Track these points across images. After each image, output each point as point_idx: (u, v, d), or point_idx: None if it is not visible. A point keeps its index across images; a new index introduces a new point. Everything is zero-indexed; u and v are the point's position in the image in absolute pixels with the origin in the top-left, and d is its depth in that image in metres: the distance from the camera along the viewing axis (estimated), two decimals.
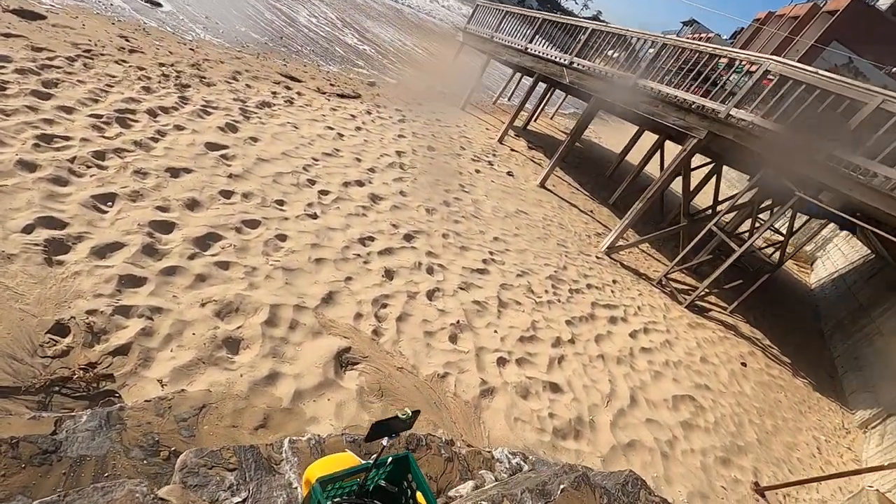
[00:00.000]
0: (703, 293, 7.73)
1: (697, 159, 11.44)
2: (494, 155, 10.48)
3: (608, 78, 8.81)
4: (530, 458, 2.84)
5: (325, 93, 8.80)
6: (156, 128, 4.83)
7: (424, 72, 16.64)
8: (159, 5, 8.95)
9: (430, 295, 4.25)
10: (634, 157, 16.73)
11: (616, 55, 9.44)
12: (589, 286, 6.22)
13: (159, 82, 5.88)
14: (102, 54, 5.94)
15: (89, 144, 4.05)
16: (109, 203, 3.55)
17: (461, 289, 4.59)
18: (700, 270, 9.32)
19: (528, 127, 16.03)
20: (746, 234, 11.25)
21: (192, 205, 3.95)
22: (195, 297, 3.06)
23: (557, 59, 10.20)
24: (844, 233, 15.26)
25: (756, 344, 7.40)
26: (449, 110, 12.79)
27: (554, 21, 10.98)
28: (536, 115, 17.89)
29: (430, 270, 4.65)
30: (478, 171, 8.69)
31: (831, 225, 15.02)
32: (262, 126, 6.07)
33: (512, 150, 11.85)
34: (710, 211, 11.45)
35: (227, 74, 7.29)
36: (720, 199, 11.48)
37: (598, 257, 7.59)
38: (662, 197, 12.72)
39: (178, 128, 5.04)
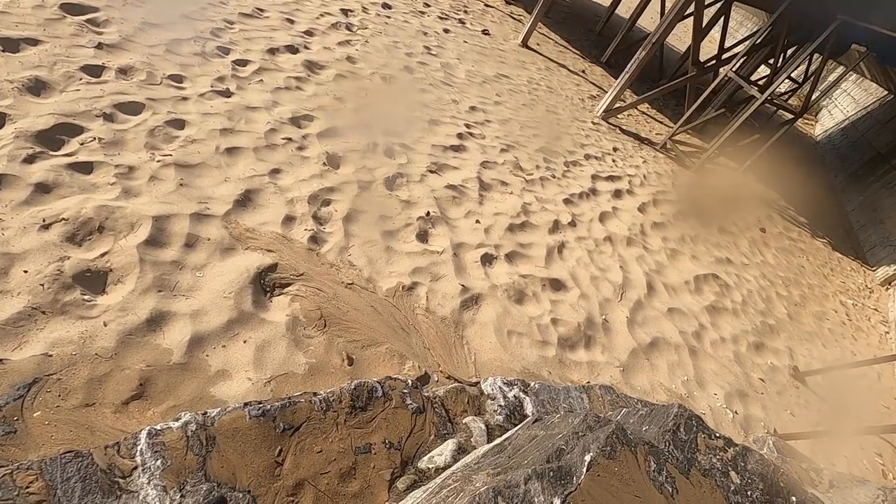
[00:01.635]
0: (713, 154, 6.79)
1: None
2: (466, 12, 8.77)
3: None
4: (532, 385, 2.12)
5: None
6: None
7: None
8: None
9: (391, 183, 3.28)
10: (626, 11, 14.72)
11: None
12: (587, 157, 5.25)
13: None
14: None
15: None
16: None
17: (431, 172, 3.61)
18: (706, 130, 8.27)
19: None
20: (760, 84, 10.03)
21: (37, 88, 2.78)
22: (33, 217, 2.09)
23: None
24: (854, 76, 13.93)
25: (772, 206, 6.66)
26: None
27: None
28: None
29: (389, 153, 3.62)
30: (447, 31, 7.18)
31: (840, 68, 13.64)
32: None
33: (486, 5, 10.01)
34: (715, 61, 10.05)
35: None
36: (726, 46, 10.02)
37: (594, 123, 6.50)
38: (662, 51, 11.16)
39: None
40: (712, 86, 6.81)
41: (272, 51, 4.32)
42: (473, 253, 2.99)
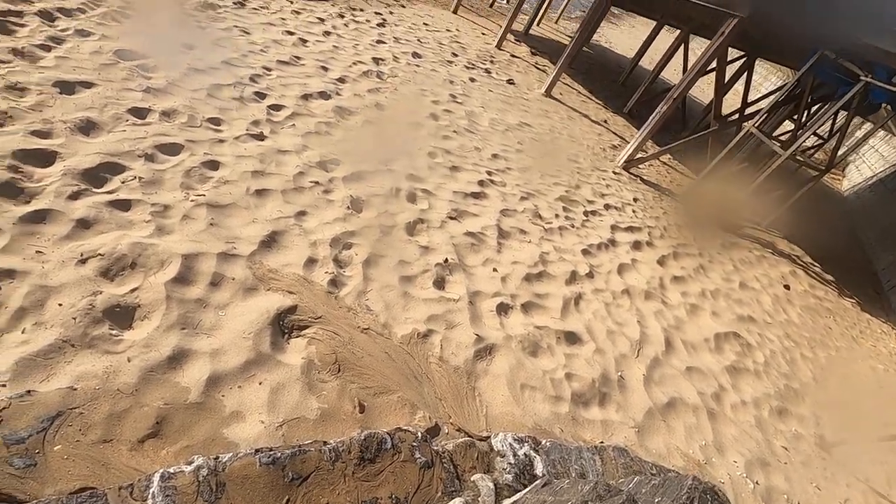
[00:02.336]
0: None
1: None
2: (492, 62, 9.11)
3: None
4: (544, 443, 2.09)
5: None
6: (49, 34, 3.73)
7: None
8: None
9: (411, 228, 3.36)
10: (650, 63, 15.07)
11: None
12: (607, 206, 5.29)
13: None
14: None
15: None
16: None
17: (451, 218, 3.69)
18: (732, 182, 8.25)
19: (531, 32, 14.25)
20: (785, 139, 10.04)
21: (87, 128, 2.98)
22: (71, 252, 2.20)
23: None
24: (883, 132, 13.84)
25: (796, 262, 6.53)
26: (437, 14, 11.16)
27: None
28: (539, 18, 15.95)
29: (411, 198, 3.72)
30: (472, 80, 7.45)
31: (867, 125, 13.58)
32: (201, 31, 4.90)
33: (512, 56, 10.39)
34: (738, 115, 10.13)
35: None
36: (750, 100, 10.12)
37: (615, 172, 6.57)
38: (684, 103, 11.32)
39: (82, 33, 3.93)
40: (735, 140, 6.85)
41: (306, 97, 4.56)
42: (489, 302, 3.00)
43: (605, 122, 8.88)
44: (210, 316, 2.21)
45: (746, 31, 6.17)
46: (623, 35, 25.69)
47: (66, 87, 3.23)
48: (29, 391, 1.69)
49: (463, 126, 5.56)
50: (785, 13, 5.53)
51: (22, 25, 3.69)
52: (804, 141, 6.07)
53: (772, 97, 7.62)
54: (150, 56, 4.04)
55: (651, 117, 6.87)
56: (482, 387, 2.47)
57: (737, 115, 10.24)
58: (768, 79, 20.74)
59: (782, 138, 10.19)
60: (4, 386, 1.68)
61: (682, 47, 10.99)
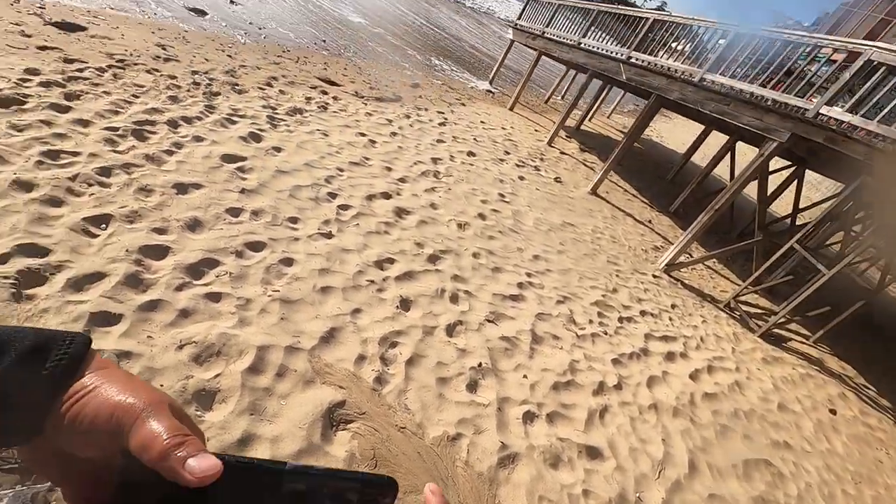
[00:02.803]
0: (781, 320, 6.66)
1: (774, 160, 10.20)
2: (542, 159, 9.77)
3: (670, 73, 7.88)
4: None
5: (362, 97, 8.48)
6: (173, 140, 4.61)
7: (472, 71, 16.09)
8: (203, 13, 8.98)
9: (451, 330, 3.72)
10: (701, 158, 15.41)
11: (680, 47, 8.48)
12: (643, 313, 5.46)
13: (188, 91, 5.72)
14: (135, 64, 5.86)
15: (97, 160, 3.84)
16: (103, 226, 3.29)
17: (489, 321, 4.02)
18: (778, 291, 8.17)
19: (582, 127, 15.10)
20: (837, 249, 9.88)
21: (194, 225, 3.64)
22: (173, 338, 2.70)
23: (613, 54, 9.34)
24: None
25: (847, 383, 6.28)
26: (495, 111, 12.17)
27: (610, 12, 10.09)
28: (591, 114, 16.90)
29: (454, 298, 4.12)
30: (521, 178, 8.04)
31: None
32: (289, 135, 5.78)
33: (562, 152, 11.07)
34: (789, 221, 10.12)
35: (261, 81, 7.10)
36: (802, 206, 10.13)
37: (655, 276, 6.75)
38: (732, 205, 11.47)
39: (198, 139, 4.81)
40: (780, 251, 6.91)
41: (370, 197, 5.20)
42: (517, 409, 3.25)
43: (650, 221, 9.15)
44: (274, 404, 2.61)
45: (789, 149, 6.45)
46: (676, 129, 26.36)
47: (182, 189, 3.97)
48: None
49: (508, 226, 6.03)
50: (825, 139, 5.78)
51: (154, 133, 4.59)
52: (852, 259, 6.07)
53: (822, 207, 7.66)
54: (248, 159, 4.84)
55: (694, 224, 7.11)
56: (503, 495, 2.67)
57: (788, 222, 10.22)
58: (823, 183, 20.44)
59: (836, 247, 10.02)
60: None
61: (729, 153, 11.31)
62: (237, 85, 6.53)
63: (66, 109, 4.35)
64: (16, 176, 3.33)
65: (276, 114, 6.17)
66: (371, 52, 12.29)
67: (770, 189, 10.17)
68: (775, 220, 10.79)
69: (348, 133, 6.60)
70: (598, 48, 9.98)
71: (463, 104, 11.28)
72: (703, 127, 13.36)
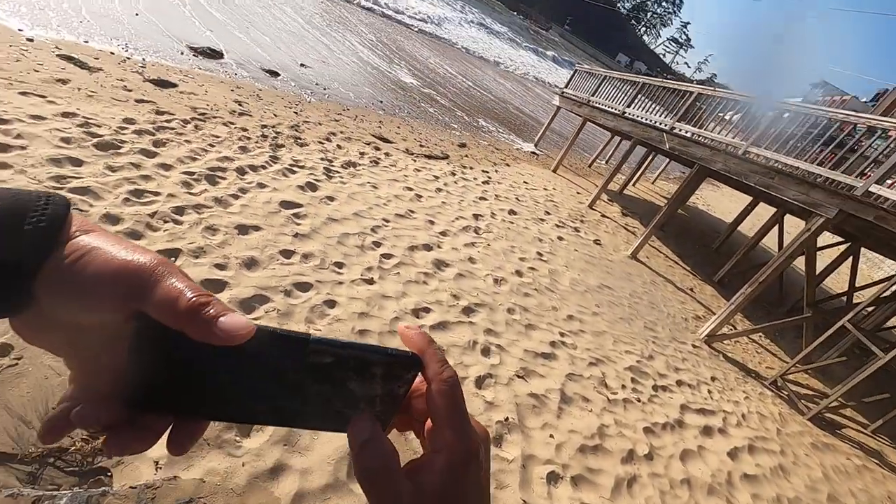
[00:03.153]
0: (833, 403, 6.26)
1: (827, 236, 9.89)
2: (582, 221, 9.90)
3: (713, 145, 7.99)
4: None
5: (412, 154, 9.01)
6: (240, 185, 5.09)
7: (517, 133, 16.73)
8: (277, 74, 9.97)
9: (480, 382, 3.78)
10: (749, 229, 15.07)
11: (726, 118, 8.62)
12: (679, 383, 5.30)
13: (256, 143, 6.32)
14: (214, 117, 6.57)
15: (173, 200, 4.31)
16: (172, 259, 3.65)
17: (519, 376, 4.06)
18: (831, 372, 7.71)
19: (625, 192, 15.20)
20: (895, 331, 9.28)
21: (250, 263, 3.97)
22: None
23: (657, 124, 9.57)
24: None
25: None
26: (538, 172, 12.52)
27: (655, 85, 10.44)
28: (635, 179, 17.03)
29: (485, 351, 4.20)
30: (560, 239, 8.17)
31: None
32: (342, 186, 6.22)
33: (603, 215, 11.16)
34: (844, 298, 9.64)
35: (321, 136, 7.73)
36: (860, 284, 9.65)
37: (695, 346, 6.56)
38: (782, 278, 11.06)
39: (261, 186, 5.28)
40: (832, 329, 6.60)
41: (412, 248, 5.46)
42: (541, 468, 3.23)
43: (692, 289, 8.97)
44: (307, 437, 2.74)
45: (838, 226, 6.32)
46: (723, 198, 25.96)
47: (243, 230, 4.35)
48: (175, 476, 2.28)
49: (544, 284, 6.11)
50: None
51: (224, 178, 5.09)
52: None
53: (878, 287, 7.31)
54: (303, 206, 5.24)
55: (737, 295, 6.94)
56: None
57: (844, 299, 9.73)
58: (885, 260, 19.35)
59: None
60: (161, 468, 2.29)
61: (777, 226, 11.06)
62: (300, 139, 7.14)
63: (153, 155, 4.92)
64: (106, 210, 3.80)
65: (332, 166, 6.68)
66: (423, 113, 13.09)
67: (824, 263, 9.81)
68: (830, 296, 10.29)
69: (396, 187, 7.01)
70: (642, 118, 10.27)
71: (507, 164, 11.70)
72: (750, 198, 13.19)
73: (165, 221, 4.01)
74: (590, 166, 17.17)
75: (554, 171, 13.46)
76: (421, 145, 9.91)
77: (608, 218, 11.21)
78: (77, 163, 4.19)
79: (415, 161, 8.64)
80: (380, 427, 0.43)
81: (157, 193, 4.30)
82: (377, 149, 8.36)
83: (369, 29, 19.56)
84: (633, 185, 17.07)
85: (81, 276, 0.36)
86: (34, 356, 2.48)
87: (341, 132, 8.38)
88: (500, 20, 61.42)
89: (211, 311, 0.36)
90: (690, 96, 8.88)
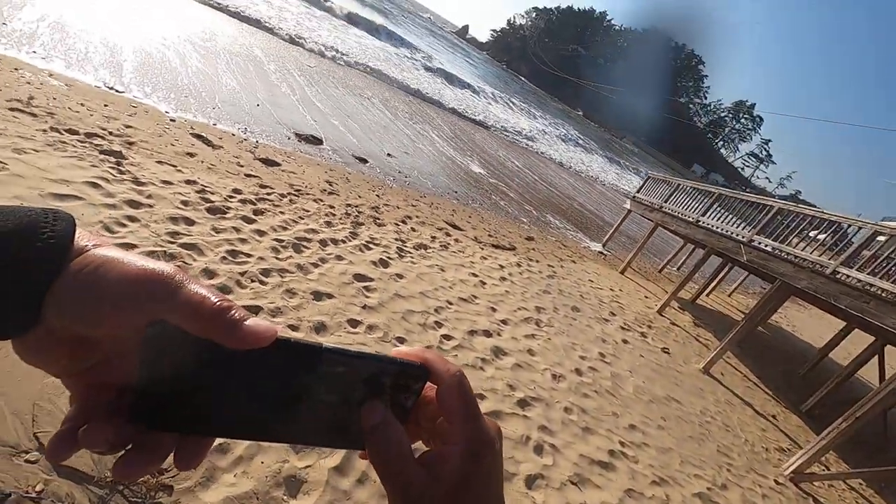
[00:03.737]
0: None
1: None
2: (650, 326, 9.48)
3: (797, 261, 7.61)
4: None
5: (480, 242, 9.33)
6: (321, 255, 5.51)
7: (584, 231, 16.83)
8: (365, 161, 11.01)
9: (531, 482, 3.58)
10: (843, 357, 13.62)
11: (813, 235, 8.24)
12: None
13: (340, 219, 6.89)
14: (307, 194, 7.30)
15: (262, 263, 4.74)
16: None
17: (572, 482, 3.80)
18: None
19: (697, 301, 14.48)
20: None
21: (320, 328, 4.19)
22: None
23: (733, 235, 9.32)
24: None
25: None
26: (605, 272, 12.37)
27: (733, 196, 10.32)
28: (709, 289, 16.25)
29: (538, 449, 4.00)
30: (625, 342, 7.85)
31: None
32: (412, 265, 6.52)
33: (673, 323, 10.64)
34: None
35: (398, 218, 8.28)
36: None
37: (778, 482, 5.80)
38: (885, 415, 9.70)
39: (339, 258, 5.68)
40: None
41: (472, 332, 5.50)
42: None
43: (774, 417, 8.08)
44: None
45: None
46: (811, 320, 23.83)
47: (318, 296, 4.65)
48: None
49: (605, 387, 5.82)
50: None
51: (307, 248, 5.55)
52: None
53: None
54: (374, 280, 5.54)
55: (829, 429, 6.17)
56: None
57: None
58: None
59: None
60: None
61: (877, 356, 9.95)
62: (378, 219, 7.69)
63: (252, 221, 5.51)
64: (205, 265, 4.26)
65: (405, 246, 7.06)
66: (493, 205, 13.67)
67: None
68: None
69: (463, 272, 7.22)
70: (717, 227, 10.06)
71: (574, 261, 11.71)
72: (843, 322, 12.07)
73: (252, 281, 4.39)
74: (660, 271, 16.69)
75: (621, 272, 13.23)
76: (490, 235, 10.25)
77: (678, 326, 10.65)
78: (190, 222, 4.79)
79: (482, 249, 8.92)
80: (391, 413, 0.43)
81: (249, 255, 4.76)
82: (448, 234, 8.76)
83: (449, 126, 21.29)
84: (707, 295, 16.26)
85: (103, 282, 0.36)
86: None
87: (416, 216, 8.92)
88: (574, 126, 64.56)
89: (236, 314, 0.37)
90: (771, 210, 8.66)
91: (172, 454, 0.39)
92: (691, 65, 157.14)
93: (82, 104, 6.26)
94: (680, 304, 12.93)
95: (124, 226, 4.20)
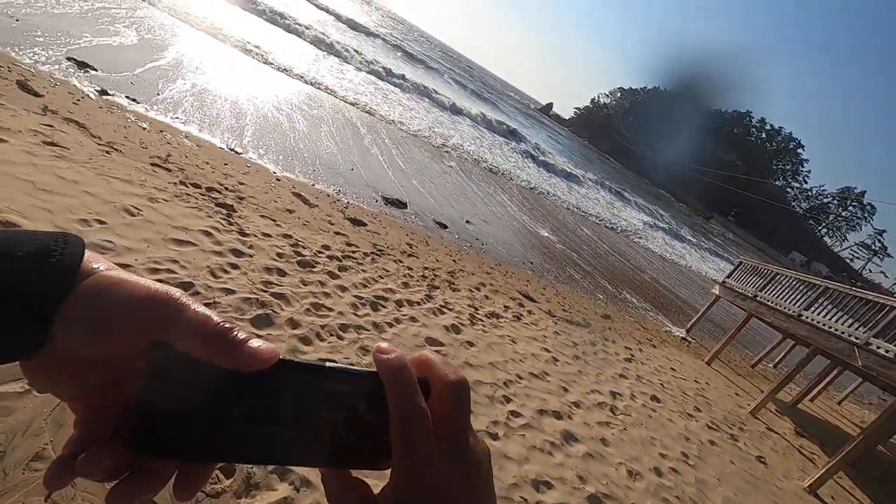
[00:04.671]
0: None
1: None
2: (741, 429, 8.46)
3: None
4: None
5: (554, 316, 9.06)
6: (396, 315, 5.63)
7: (665, 313, 15.81)
8: (445, 227, 11.37)
9: None
10: None
11: None
12: None
13: (417, 281, 7.06)
14: (388, 254, 7.62)
15: (341, 318, 4.93)
16: None
17: None
18: None
19: (799, 405, 12.80)
20: None
21: None
22: None
23: (845, 335, 8.30)
24: None
25: None
26: (689, 361, 11.40)
27: (843, 291, 9.30)
28: (814, 393, 14.34)
29: None
30: (712, 443, 7.03)
31: None
32: (483, 334, 6.45)
33: (769, 428, 9.42)
34: None
35: (473, 284, 8.33)
36: None
37: None
38: None
39: (413, 319, 5.76)
40: None
41: (542, 411, 5.23)
42: None
43: None
44: None
45: None
46: None
47: None
48: None
49: (689, 494, 5.19)
50: None
51: (384, 307, 5.70)
52: None
53: None
54: (445, 345, 5.52)
55: None
56: None
57: None
58: None
59: None
60: None
61: None
62: (454, 284, 7.78)
63: (336, 277, 5.80)
64: (290, 315, 4.50)
65: (477, 314, 7.03)
66: (568, 278, 13.35)
67: None
68: None
69: (534, 345, 7.01)
70: (824, 324, 9.03)
71: (654, 346, 10.95)
72: None
73: (331, 335, 4.56)
74: (753, 366, 15.09)
75: (707, 363, 12.12)
76: (564, 309, 9.95)
77: (776, 433, 9.39)
78: (282, 273, 5.15)
79: (556, 323, 8.64)
80: (405, 358, 0.43)
81: (331, 310, 4.98)
82: (521, 305, 8.62)
83: (528, 200, 21.56)
84: (811, 400, 14.33)
85: (110, 303, 0.36)
86: None
87: (490, 284, 8.92)
88: (662, 206, 62.76)
89: (238, 334, 0.37)
90: (892, 311, 7.67)
91: (172, 482, 0.39)
92: (789, 147, 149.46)
93: (207, 162, 7.15)
94: (778, 408, 11.49)
95: (226, 272, 4.60)
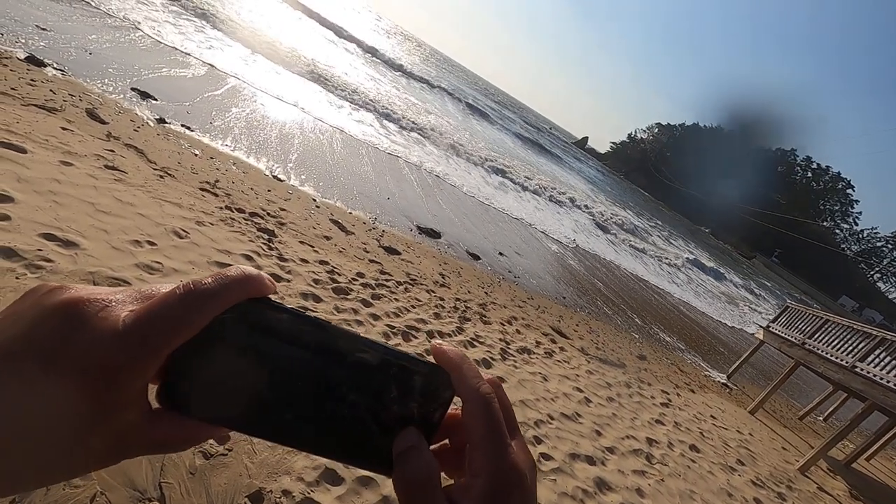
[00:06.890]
0: None
1: None
2: (790, 487, 7.87)
3: None
4: None
5: (587, 354, 8.80)
6: (427, 347, 5.58)
7: (704, 356, 15.10)
8: (478, 258, 11.35)
9: None
10: None
11: None
12: None
13: (448, 312, 7.02)
14: (421, 284, 7.64)
15: None
16: None
17: None
18: None
19: (854, 464, 11.83)
20: None
21: None
22: None
23: None
24: None
25: None
26: (731, 409, 10.80)
27: None
28: (872, 452, 13.26)
29: None
30: (758, 502, 6.55)
31: None
32: (514, 369, 6.31)
33: (821, 489, 8.72)
34: None
35: (504, 317, 8.21)
36: None
37: None
38: None
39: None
40: None
41: (574, 455, 5.01)
42: None
43: None
44: None
45: None
46: None
47: None
48: None
49: None
50: None
51: (415, 337, 5.67)
52: None
53: None
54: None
55: None
56: None
57: None
58: None
59: None
60: None
61: None
62: (485, 316, 7.70)
63: (369, 305, 5.84)
64: None
65: (508, 348, 6.91)
66: (602, 314, 13.00)
67: None
68: None
69: (566, 384, 6.79)
70: (882, 378, 8.41)
71: (692, 391, 10.43)
72: None
73: None
74: (801, 418, 14.12)
75: (751, 412, 11.44)
76: (597, 347, 9.65)
77: (829, 495, 8.68)
78: (317, 299, 5.22)
79: (588, 362, 8.38)
80: (423, 437, 0.40)
81: None
82: (553, 341, 8.43)
83: (566, 232, 21.35)
84: (868, 459, 13.24)
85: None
86: (240, 451, 2.89)
87: (522, 318, 8.78)
88: (703, 246, 60.97)
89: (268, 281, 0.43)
90: None
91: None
92: (837, 187, 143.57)
93: (252, 188, 7.44)
94: (830, 466, 10.65)
95: None
